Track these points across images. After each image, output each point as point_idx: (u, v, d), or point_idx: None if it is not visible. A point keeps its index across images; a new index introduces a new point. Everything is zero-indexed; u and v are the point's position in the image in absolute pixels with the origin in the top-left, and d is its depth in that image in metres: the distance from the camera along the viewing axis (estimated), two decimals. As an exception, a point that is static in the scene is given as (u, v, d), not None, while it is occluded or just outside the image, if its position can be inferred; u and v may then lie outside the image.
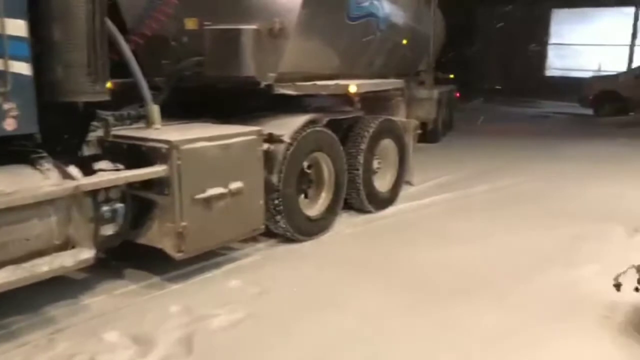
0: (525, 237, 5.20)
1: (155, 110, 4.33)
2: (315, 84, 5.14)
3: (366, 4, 6.27)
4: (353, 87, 5.32)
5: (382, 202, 6.24)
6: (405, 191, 6.97)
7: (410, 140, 7.02)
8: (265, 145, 4.60)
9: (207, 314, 3.58)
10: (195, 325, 3.45)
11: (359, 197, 5.88)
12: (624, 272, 3.43)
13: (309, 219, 5.15)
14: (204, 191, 3.98)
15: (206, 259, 4.41)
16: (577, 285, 4.06)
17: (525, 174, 8.19)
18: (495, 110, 18.49)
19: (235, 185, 4.22)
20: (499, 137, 12.57)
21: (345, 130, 5.91)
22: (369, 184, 5.94)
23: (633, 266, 3.43)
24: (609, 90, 16.63)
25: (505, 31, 23.57)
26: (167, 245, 3.95)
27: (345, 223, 5.69)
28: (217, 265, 4.45)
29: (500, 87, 24.45)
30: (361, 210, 6.05)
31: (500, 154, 10.23)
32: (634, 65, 19.91)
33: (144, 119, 4.39)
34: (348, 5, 5.81)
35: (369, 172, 5.97)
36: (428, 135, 11.12)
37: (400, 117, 7.34)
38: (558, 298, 3.86)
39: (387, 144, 6.35)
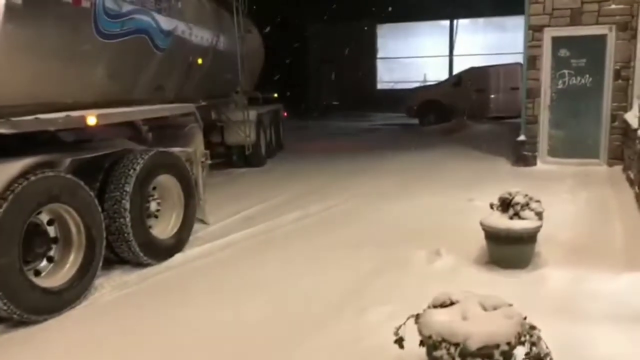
0: (320, 277, 4.48)
1: None
2: (38, 119, 3.97)
3: (125, 19, 5.31)
4: (92, 118, 4.22)
5: (166, 250, 5.21)
6: (203, 231, 6.07)
7: (199, 172, 6.12)
8: (-45, 206, 3.41)
9: None
10: None
11: (130, 249, 4.80)
12: (404, 324, 2.83)
13: (47, 291, 3.97)
14: None
15: None
16: (363, 339, 3.38)
17: (341, 194, 7.69)
18: (330, 126, 18.43)
19: None
20: (328, 154, 12.24)
21: (107, 170, 4.86)
22: (141, 232, 4.88)
23: (412, 316, 2.84)
24: (431, 99, 17.28)
25: (336, 48, 23.91)
26: None
27: (113, 285, 4.59)
28: None
29: (337, 103, 24.79)
30: (140, 264, 5.00)
31: (323, 172, 9.75)
32: (454, 74, 21.03)
33: None
34: (96, 22, 4.82)
35: (141, 217, 4.91)
36: (250, 159, 10.45)
37: (195, 147, 6.46)
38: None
39: (166, 181, 5.33)
